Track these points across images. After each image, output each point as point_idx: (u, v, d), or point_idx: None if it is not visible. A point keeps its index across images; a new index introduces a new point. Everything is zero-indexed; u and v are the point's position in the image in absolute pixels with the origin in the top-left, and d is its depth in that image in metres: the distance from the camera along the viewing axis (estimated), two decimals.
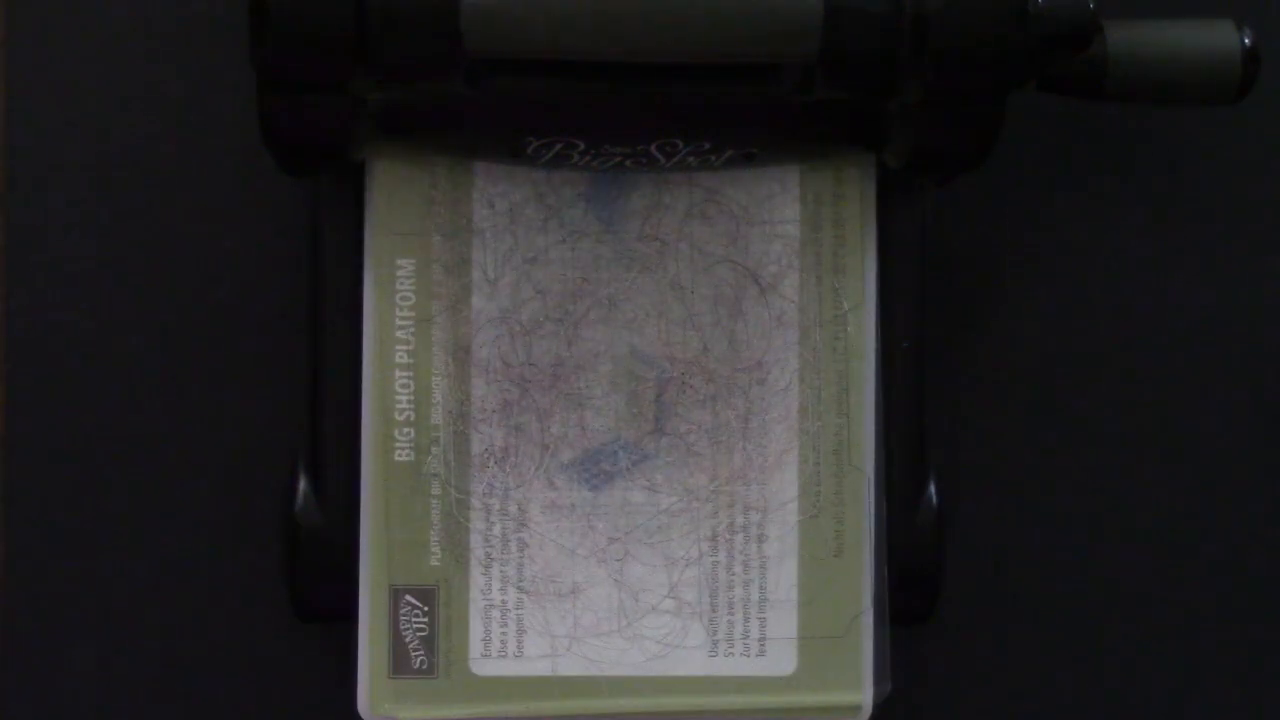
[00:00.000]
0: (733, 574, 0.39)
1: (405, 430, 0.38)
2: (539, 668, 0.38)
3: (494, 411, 0.38)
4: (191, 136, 0.41)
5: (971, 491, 0.42)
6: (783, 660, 0.39)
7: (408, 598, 0.38)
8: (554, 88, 0.35)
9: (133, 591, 0.42)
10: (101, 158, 0.41)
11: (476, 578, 0.38)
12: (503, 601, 0.38)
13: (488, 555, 0.38)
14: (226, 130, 0.41)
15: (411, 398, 0.38)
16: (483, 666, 0.38)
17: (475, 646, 0.38)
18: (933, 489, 0.39)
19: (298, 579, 0.39)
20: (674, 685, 0.38)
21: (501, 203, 0.38)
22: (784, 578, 0.38)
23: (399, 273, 0.38)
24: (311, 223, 0.38)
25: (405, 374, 0.38)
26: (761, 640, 0.38)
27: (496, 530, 0.38)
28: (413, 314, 0.38)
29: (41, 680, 0.42)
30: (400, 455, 0.38)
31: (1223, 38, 0.38)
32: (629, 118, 0.36)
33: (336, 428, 0.38)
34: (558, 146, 0.36)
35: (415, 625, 0.38)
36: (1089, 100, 0.39)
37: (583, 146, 0.36)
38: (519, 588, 0.38)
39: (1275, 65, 0.40)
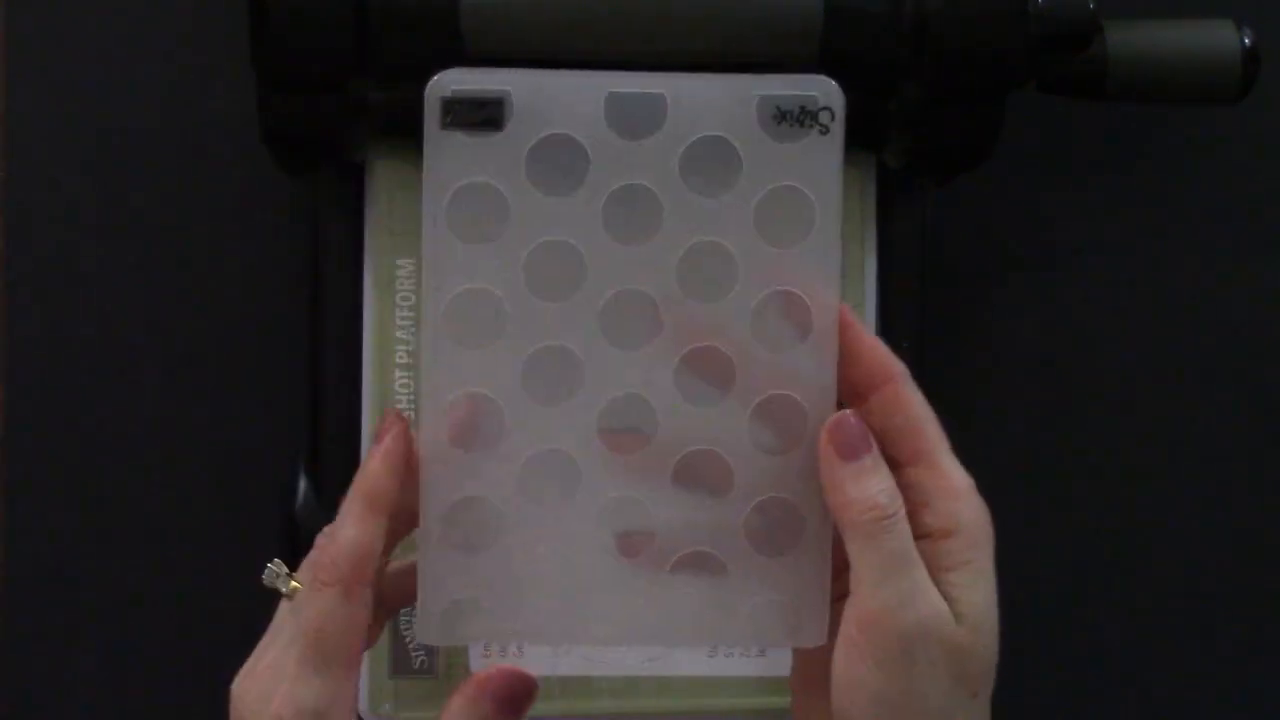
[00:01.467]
0: None
1: None
2: (539, 668, 0.38)
3: None
4: (191, 136, 0.41)
5: None
6: (782, 661, 0.38)
7: None
8: None
9: (132, 591, 0.42)
10: (101, 157, 0.41)
11: None
12: None
13: None
14: (226, 130, 0.41)
15: (412, 398, 0.38)
16: (483, 666, 0.38)
17: (475, 647, 0.38)
18: None
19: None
20: (674, 685, 0.38)
21: None
22: None
23: (399, 273, 0.38)
24: (311, 223, 0.38)
25: (405, 374, 0.38)
26: None
27: None
28: (413, 314, 0.38)
29: (41, 680, 0.42)
30: None
31: (1223, 38, 0.38)
32: None
33: (336, 428, 0.38)
34: None
35: None
36: (1089, 100, 0.39)
37: None
38: None
39: (1275, 65, 0.40)
